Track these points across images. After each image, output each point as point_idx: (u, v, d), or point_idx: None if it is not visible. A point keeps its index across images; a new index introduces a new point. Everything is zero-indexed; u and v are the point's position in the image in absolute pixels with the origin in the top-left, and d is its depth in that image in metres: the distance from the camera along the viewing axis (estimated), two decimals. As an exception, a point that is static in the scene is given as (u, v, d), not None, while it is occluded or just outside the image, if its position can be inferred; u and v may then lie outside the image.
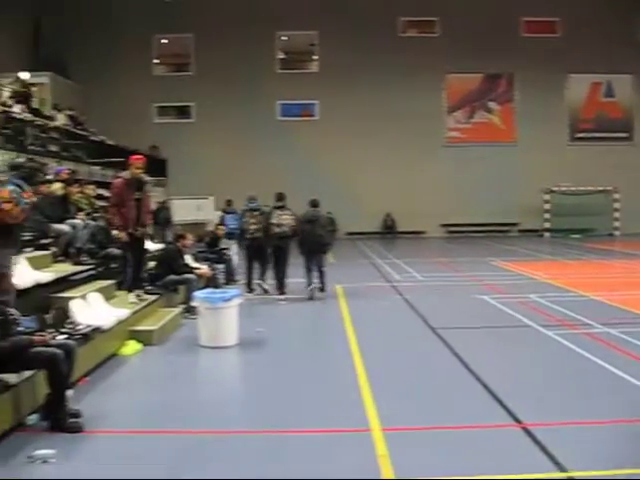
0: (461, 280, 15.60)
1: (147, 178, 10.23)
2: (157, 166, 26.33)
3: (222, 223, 15.92)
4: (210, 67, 29.77)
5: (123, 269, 10.51)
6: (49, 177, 11.65)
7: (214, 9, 29.23)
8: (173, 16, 29.03)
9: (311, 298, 12.88)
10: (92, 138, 21.03)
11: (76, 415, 6.02)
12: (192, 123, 30.45)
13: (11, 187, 6.08)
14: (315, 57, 31.73)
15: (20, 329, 6.00)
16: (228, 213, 15.90)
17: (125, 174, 10.31)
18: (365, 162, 30.12)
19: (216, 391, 7.44)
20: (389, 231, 30.84)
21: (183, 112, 30.90)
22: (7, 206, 5.86)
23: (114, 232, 10.35)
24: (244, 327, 9.42)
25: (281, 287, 13.09)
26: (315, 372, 7.93)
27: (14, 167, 10.62)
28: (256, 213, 13.18)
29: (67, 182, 11.70)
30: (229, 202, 17.74)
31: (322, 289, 13.18)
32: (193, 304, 10.06)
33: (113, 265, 10.95)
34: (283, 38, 31.40)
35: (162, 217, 19.32)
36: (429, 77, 30.25)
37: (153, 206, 13.51)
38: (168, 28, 30.04)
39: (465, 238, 29.23)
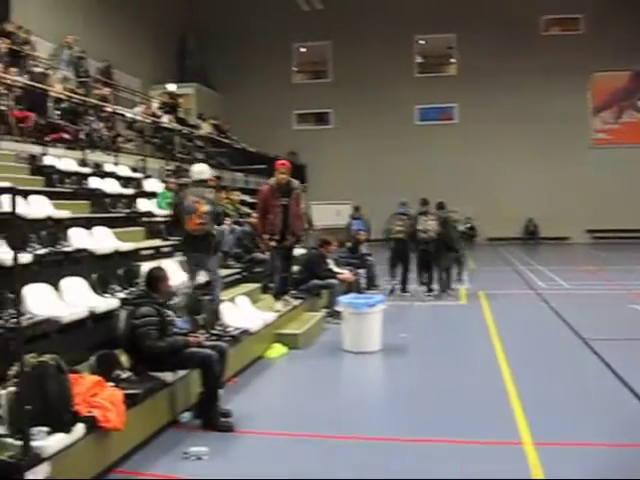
0: (612, 289, 14.86)
1: (296, 183, 9.99)
2: (296, 172, 26.74)
3: (349, 228, 16.11)
4: (348, 73, 30.04)
5: (271, 276, 10.54)
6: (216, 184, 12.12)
7: (352, 16, 29.47)
8: (311, 25, 29.53)
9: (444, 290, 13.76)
10: (235, 146, 21.73)
11: (227, 414, 6.22)
12: (330, 129, 30.84)
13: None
14: (453, 60, 31.31)
15: (175, 330, 6.28)
16: (355, 219, 16.04)
17: (271, 180, 10.22)
18: (506, 166, 29.33)
19: (360, 396, 7.44)
20: (531, 237, 29.89)
21: (322, 118, 31.37)
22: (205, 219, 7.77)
23: (262, 238, 10.32)
24: (387, 332, 9.39)
25: (428, 290, 13.76)
26: (460, 380, 7.78)
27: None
28: (404, 217, 13.70)
29: (214, 189, 12.11)
30: (357, 208, 17.96)
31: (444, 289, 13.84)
32: (337, 309, 10.15)
33: (258, 269, 11.24)
34: (421, 42, 31.19)
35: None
36: (573, 77, 29.05)
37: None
38: (306, 37, 30.60)
39: (613, 245, 27.80)
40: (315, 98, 30.51)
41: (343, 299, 9.66)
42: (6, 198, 7.32)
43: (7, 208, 7.06)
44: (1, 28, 15.10)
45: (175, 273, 8.24)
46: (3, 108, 11.50)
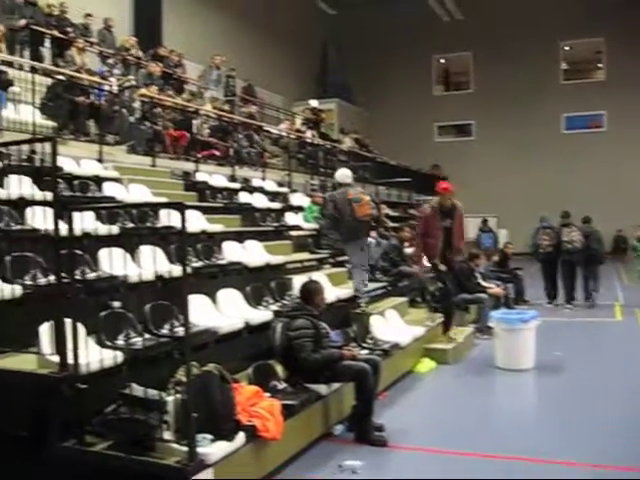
0: None
1: (458, 204, 9.58)
2: (438, 185, 26.51)
3: (478, 242, 15.82)
4: (489, 83, 29.49)
5: (443, 301, 10.01)
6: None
7: (492, 25, 28.90)
8: (451, 35, 29.24)
9: (592, 306, 13.82)
10: (376, 159, 21.82)
11: (380, 429, 6.18)
12: (472, 140, 30.35)
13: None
14: (601, 65, 30.00)
15: (330, 343, 6.34)
16: (484, 232, 15.71)
17: (433, 203, 9.80)
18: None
19: (514, 415, 7.18)
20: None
21: (463, 130, 30.94)
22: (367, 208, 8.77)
23: (419, 261, 10.03)
24: (540, 349, 9.04)
25: (570, 299, 13.95)
26: (618, 405, 7.32)
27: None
28: (548, 230, 13.88)
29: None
30: (485, 221, 17.72)
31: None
32: (489, 324, 9.91)
33: (405, 282, 11.19)
34: (566, 48, 30.13)
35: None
36: None
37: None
38: (447, 47, 30.33)
39: None
40: (456, 109, 30.14)
41: (495, 314, 9.42)
42: (166, 213, 7.75)
43: (168, 222, 7.45)
44: (155, 53, 15.97)
45: (326, 286, 8.31)
46: (159, 128, 12.12)
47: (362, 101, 29.99)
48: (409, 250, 12.53)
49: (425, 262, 9.89)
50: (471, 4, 27.97)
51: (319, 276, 8.74)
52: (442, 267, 9.59)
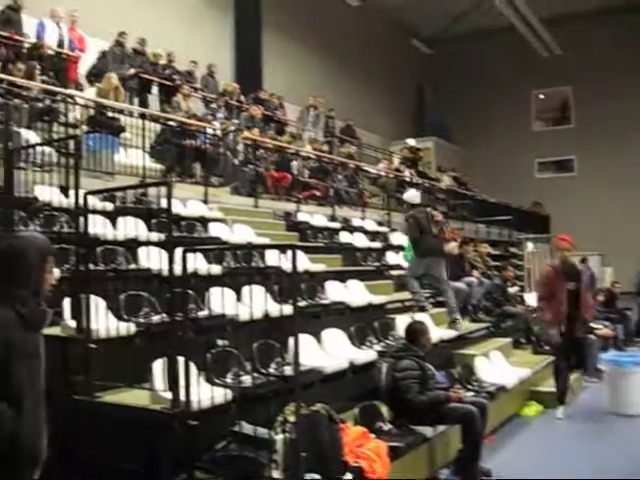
0: None
1: (584, 266, 8.83)
2: (540, 223, 26.03)
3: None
4: (591, 118, 28.71)
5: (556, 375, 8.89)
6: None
7: (592, 59, 28.20)
8: (550, 70, 28.73)
9: None
10: (476, 197, 21.59)
11: (487, 474, 6.05)
12: (574, 176, 29.58)
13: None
14: None
15: (436, 384, 6.27)
16: None
17: (554, 261, 9.24)
18: None
19: (630, 465, 6.85)
20: None
21: (565, 166, 30.22)
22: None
23: (547, 328, 8.77)
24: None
25: None
26: None
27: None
28: None
29: (462, 241, 12.14)
30: (583, 260, 17.18)
31: None
32: (598, 366, 9.56)
33: (509, 323, 10.96)
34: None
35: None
36: None
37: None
38: (546, 82, 29.80)
39: None
40: (557, 145, 29.47)
41: (605, 356, 9.10)
42: (270, 252, 7.91)
43: (273, 262, 7.61)
44: (256, 96, 16.45)
45: (429, 326, 8.25)
46: (261, 170, 12.42)
47: (460, 139, 29.81)
48: (512, 289, 12.33)
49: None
50: (570, 38, 27.45)
51: (422, 316, 8.69)
52: (552, 333, 8.48)
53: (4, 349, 2.68)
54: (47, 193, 6.90)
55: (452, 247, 11.73)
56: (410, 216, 9.89)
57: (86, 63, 13.06)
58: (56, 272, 2.96)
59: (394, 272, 11.37)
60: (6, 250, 2.89)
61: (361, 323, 7.73)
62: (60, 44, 12.29)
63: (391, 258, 12.10)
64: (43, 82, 10.63)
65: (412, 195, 10.51)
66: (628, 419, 8.32)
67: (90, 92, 11.59)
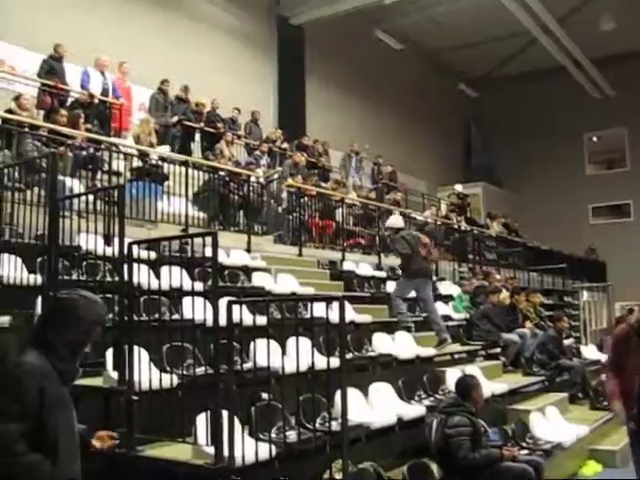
0: None
1: None
2: (596, 270, 25.61)
3: None
4: (647, 161, 28.45)
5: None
6: (497, 285, 12.12)
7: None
8: (603, 112, 28.56)
9: None
10: (527, 244, 21.39)
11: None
12: (631, 222, 29.15)
13: None
14: None
15: (488, 442, 6.17)
16: None
17: (630, 319, 8.15)
18: None
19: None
20: None
21: (620, 211, 29.81)
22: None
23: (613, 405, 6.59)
24: None
25: None
26: None
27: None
28: None
29: (514, 290, 12.03)
30: (630, 310, 16.84)
31: None
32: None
33: (565, 377, 10.75)
34: None
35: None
36: None
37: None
38: (598, 125, 29.62)
39: None
40: (612, 189, 29.13)
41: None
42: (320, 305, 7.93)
43: (318, 313, 7.62)
44: (299, 143, 16.68)
45: (481, 380, 8.15)
46: (305, 218, 12.53)
47: (509, 183, 29.67)
48: (568, 341, 12.13)
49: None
50: (622, 78, 27.36)
51: (472, 369, 8.59)
52: (616, 408, 6.43)
53: (39, 398, 2.77)
54: (91, 241, 7.04)
55: (503, 297, 11.65)
56: (400, 236, 10.29)
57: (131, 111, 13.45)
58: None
59: (443, 323, 11.24)
60: (66, 302, 3.04)
61: (409, 376, 7.67)
62: (104, 92, 12.65)
63: (440, 309, 12.00)
64: (87, 130, 10.94)
65: (395, 220, 11.10)
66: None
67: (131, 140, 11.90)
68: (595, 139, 30.98)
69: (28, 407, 2.77)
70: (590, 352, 13.46)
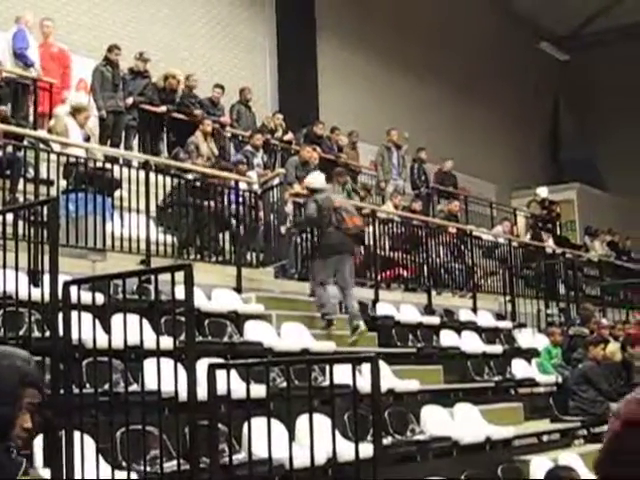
0: None
1: None
2: None
3: None
4: None
5: None
6: (602, 333, 12.06)
7: None
8: None
9: None
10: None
11: None
12: None
13: None
14: None
15: None
16: None
17: None
18: None
19: None
20: None
21: None
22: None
23: None
24: None
25: None
26: None
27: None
28: None
29: (626, 341, 11.95)
30: None
31: None
32: None
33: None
34: None
35: None
36: None
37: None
38: None
39: None
40: None
41: None
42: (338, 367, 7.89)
43: (341, 379, 7.58)
44: (310, 132, 16.65)
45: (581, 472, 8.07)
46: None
47: (615, 183, 29.48)
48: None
49: None
50: None
51: (569, 457, 8.52)
52: None
53: None
54: (10, 281, 7.04)
55: (612, 351, 11.58)
56: (313, 199, 11.09)
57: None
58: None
59: (524, 390, 11.21)
60: None
61: (477, 469, 7.62)
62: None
63: (519, 369, 11.94)
64: (2, 121, 10.95)
65: (315, 178, 11.83)
66: None
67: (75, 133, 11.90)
68: None
69: None
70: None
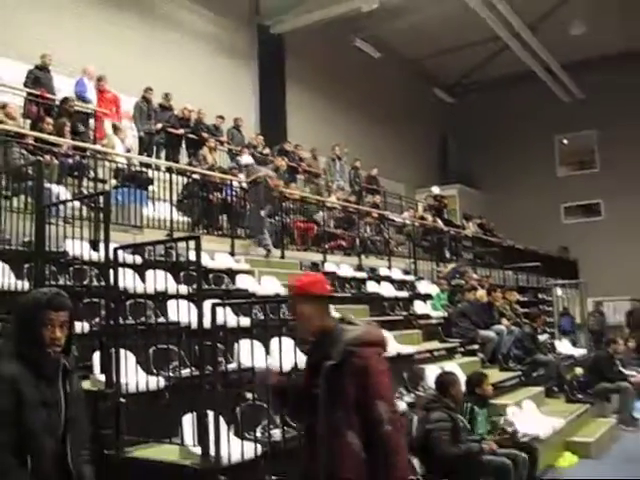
0: None
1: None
2: (568, 267, 25.79)
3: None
4: (615, 161, 28.50)
5: None
6: (474, 284, 12.15)
7: (616, 101, 28.19)
8: (573, 115, 28.74)
9: None
10: (502, 244, 21.47)
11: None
12: (601, 220, 29.35)
13: None
14: None
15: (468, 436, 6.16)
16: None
17: None
18: None
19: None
20: None
21: (591, 210, 30.02)
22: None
23: None
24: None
25: None
26: None
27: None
28: None
29: (490, 288, 12.07)
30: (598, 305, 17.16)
31: None
32: (635, 415, 9.35)
33: (541, 372, 10.79)
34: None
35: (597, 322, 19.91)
36: None
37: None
38: (569, 127, 29.80)
39: None
40: (583, 190, 29.31)
41: (640, 404, 8.89)
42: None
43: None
44: (281, 148, 16.63)
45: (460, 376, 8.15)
46: (288, 221, 12.48)
47: (484, 185, 29.82)
48: (543, 337, 12.19)
49: None
50: (591, 82, 27.55)
51: (451, 366, 8.59)
52: None
53: (16, 400, 2.73)
54: (77, 247, 6.97)
55: (480, 295, 11.68)
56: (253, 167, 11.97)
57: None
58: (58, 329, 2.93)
59: (422, 321, 11.28)
60: (14, 311, 3.01)
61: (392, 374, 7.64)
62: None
63: (419, 307, 12.03)
64: (73, 139, 10.83)
65: (245, 158, 12.62)
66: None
67: (120, 147, 11.82)
68: (566, 141, 31.18)
69: (5, 414, 2.73)
70: (564, 347, 13.54)
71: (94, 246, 7.26)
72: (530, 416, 8.63)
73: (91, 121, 12.43)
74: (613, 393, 10.93)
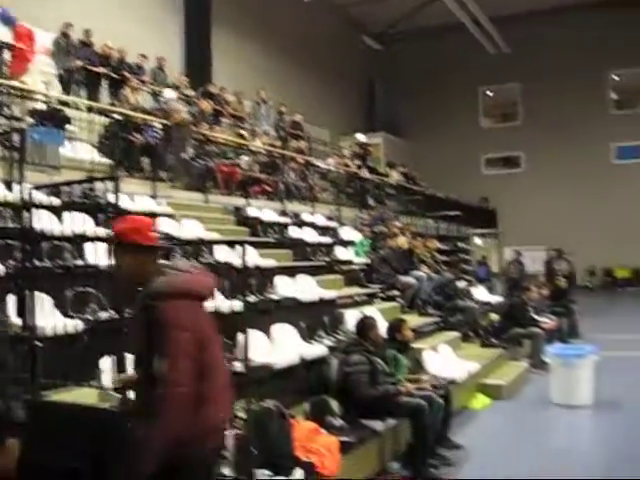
0: None
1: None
2: (487, 217, 26.45)
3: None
4: (537, 114, 29.23)
5: None
6: (395, 231, 12.31)
7: (540, 57, 28.71)
8: (498, 67, 29.15)
9: None
10: (425, 192, 21.79)
11: (434, 466, 6.12)
12: (521, 172, 30.09)
13: None
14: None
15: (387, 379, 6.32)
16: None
17: None
18: None
19: (572, 454, 7.03)
20: None
21: (511, 162, 30.71)
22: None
23: None
24: (601, 385, 8.81)
25: None
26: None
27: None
28: None
29: (412, 236, 12.27)
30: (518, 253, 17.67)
31: None
32: (545, 359, 9.76)
33: (459, 317, 11.10)
34: (615, 77, 29.79)
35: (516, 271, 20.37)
36: None
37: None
38: (493, 79, 30.25)
39: None
40: (504, 141, 29.95)
41: (551, 349, 9.28)
42: (219, 248, 7.86)
43: (222, 258, 7.55)
44: (205, 90, 16.27)
45: (379, 320, 8.30)
46: (212, 165, 12.31)
47: (409, 134, 30.08)
48: (461, 284, 12.51)
49: None
50: (518, 37, 27.94)
51: (371, 311, 8.74)
52: None
53: None
54: (-10, 188, 6.73)
55: (401, 242, 11.85)
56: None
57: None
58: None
59: (344, 267, 11.38)
60: None
61: (311, 318, 7.74)
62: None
63: (341, 253, 12.12)
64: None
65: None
66: (573, 410, 8.50)
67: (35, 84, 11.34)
68: (490, 93, 31.63)
69: None
70: (481, 294, 13.95)
71: (8, 186, 7.02)
72: (446, 360, 8.91)
73: (5, 56, 11.87)
74: (525, 338, 11.39)
